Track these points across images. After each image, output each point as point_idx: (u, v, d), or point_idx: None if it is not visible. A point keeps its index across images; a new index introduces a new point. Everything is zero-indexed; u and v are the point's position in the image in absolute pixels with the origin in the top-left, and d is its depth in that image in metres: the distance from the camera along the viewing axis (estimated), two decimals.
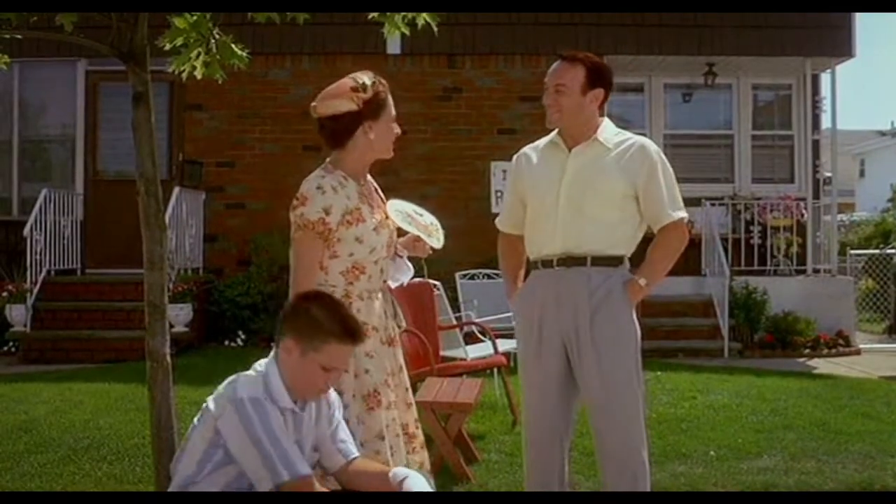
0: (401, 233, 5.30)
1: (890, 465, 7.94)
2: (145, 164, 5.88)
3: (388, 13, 6.31)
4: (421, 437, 5.22)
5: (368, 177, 5.16)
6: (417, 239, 5.33)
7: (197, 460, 4.29)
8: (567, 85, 5.28)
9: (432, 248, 5.38)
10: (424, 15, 6.36)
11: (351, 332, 4.34)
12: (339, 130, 4.96)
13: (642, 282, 5.32)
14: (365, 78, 4.95)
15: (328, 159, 5.05)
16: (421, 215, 5.45)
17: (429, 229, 5.41)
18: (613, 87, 5.43)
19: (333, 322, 4.30)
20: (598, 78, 5.33)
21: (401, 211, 5.32)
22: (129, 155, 6.06)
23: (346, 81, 4.96)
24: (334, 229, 4.83)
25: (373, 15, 6.34)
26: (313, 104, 5.00)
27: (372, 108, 4.92)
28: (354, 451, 4.54)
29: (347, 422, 4.78)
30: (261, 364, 4.40)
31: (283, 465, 4.12)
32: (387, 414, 4.90)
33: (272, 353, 4.41)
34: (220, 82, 6.36)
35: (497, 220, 5.81)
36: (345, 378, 4.83)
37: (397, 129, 5.08)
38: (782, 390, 11.31)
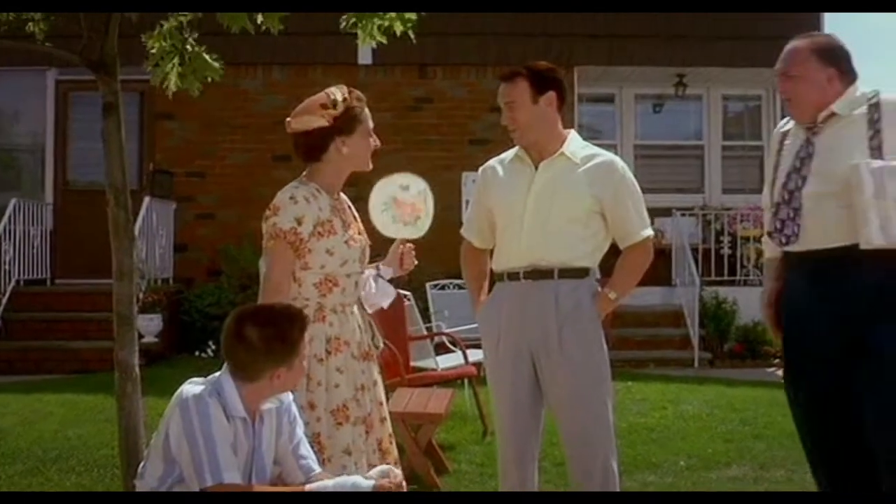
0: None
1: None
2: (115, 174, 5.87)
3: (363, 22, 6.32)
4: (394, 454, 5.18)
5: (342, 194, 5.15)
6: (403, 250, 5.33)
7: (158, 476, 4.29)
8: (515, 99, 5.30)
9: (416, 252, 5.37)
10: (398, 23, 6.37)
11: (301, 318, 4.42)
12: (311, 146, 4.97)
13: (612, 295, 5.34)
14: (338, 93, 4.94)
15: (304, 172, 5.05)
16: (407, 188, 5.42)
17: (416, 207, 5.39)
18: (566, 86, 5.43)
19: (294, 330, 4.35)
20: (544, 82, 5.32)
21: (385, 202, 5.32)
22: (100, 165, 6.05)
23: (319, 97, 4.96)
24: (306, 240, 4.83)
25: (346, 19, 6.34)
26: (287, 119, 5.00)
27: (344, 124, 4.92)
28: (316, 468, 4.53)
29: (318, 435, 4.78)
30: (214, 375, 4.40)
31: (210, 469, 4.12)
32: (353, 430, 4.89)
33: (225, 367, 4.39)
34: (197, 93, 6.36)
35: (462, 229, 5.81)
36: (318, 392, 4.83)
37: (376, 143, 5.07)
38: (752, 400, 11.35)
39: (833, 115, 4.80)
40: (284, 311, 4.46)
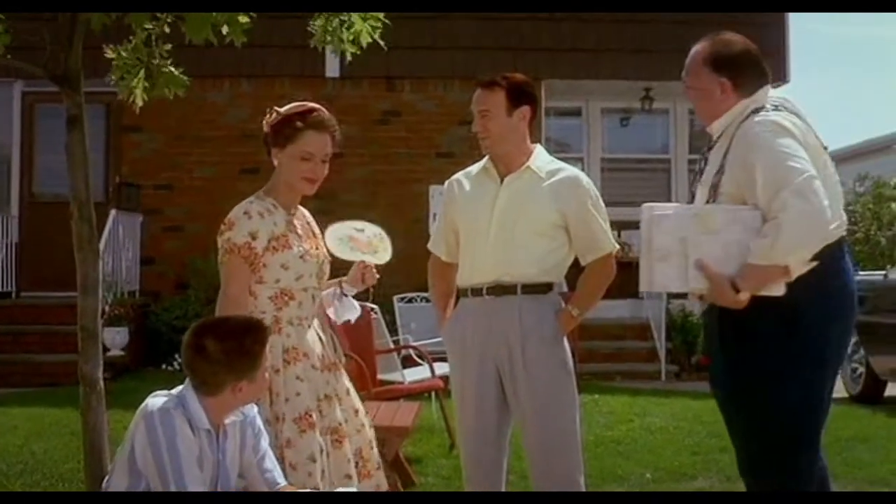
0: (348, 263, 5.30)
1: None
2: (79, 187, 5.85)
3: (333, 35, 6.33)
4: (375, 460, 5.19)
5: (301, 209, 5.16)
6: (364, 266, 5.31)
7: (123, 489, 4.29)
8: (490, 109, 5.28)
9: (378, 269, 5.36)
10: (366, 32, 6.38)
11: (262, 336, 4.42)
12: (266, 149, 5.04)
13: (575, 312, 5.34)
14: (288, 106, 4.98)
15: (263, 187, 5.08)
16: (362, 230, 5.42)
17: (373, 244, 5.39)
18: (540, 101, 5.42)
19: (258, 342, 4.34)
20: (520, 96, 5.32)
21: (340, 237, 5.31)
22: (66, 177, 6.03)
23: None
24: (260, 254, 4.84)
25: (318, 38, 6.36)
26: None
27: (277, 136, 4.95)
28: (281, 481, 4.54)
29: (283, 444, 4.79)
30: (178, 388, 4.40)
31: (175, 482, 4.15)
32: (318, 438, 4.89)
33: (188, 381, 4.39)
34: (170, 98, 6.36)
35: (430, 244, 5.78)
36: (278, 403, 4.83)
37: (319, 170, 4.99)
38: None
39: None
40: (244, 324, 4.46)
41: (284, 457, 4.78)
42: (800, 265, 4.23)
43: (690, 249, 4.31)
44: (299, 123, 4.96)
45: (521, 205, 5.27)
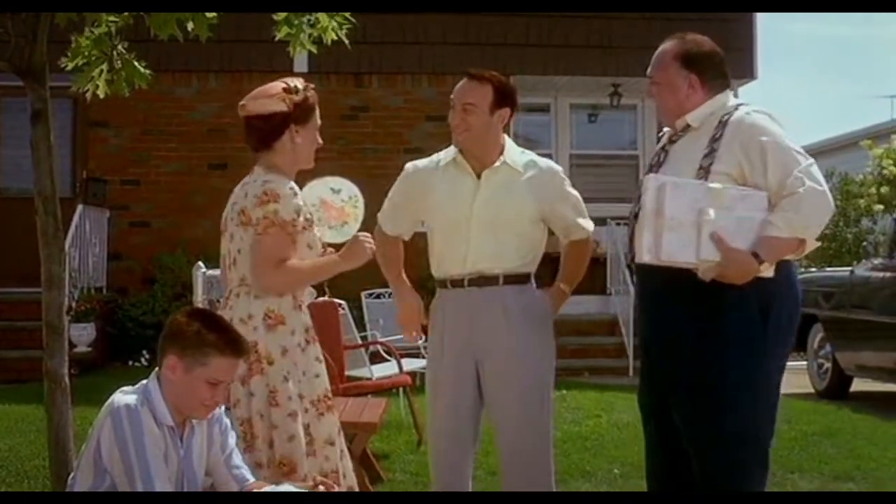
0: None
1: (789, 482, 8.03)
2: (44, 182, 5.82)
3: (293, 30, 6.31)
4: None
5: None
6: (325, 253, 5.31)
7: (87, 486, 4.26)
8: (476, 104, 5.21)
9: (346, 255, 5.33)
10: (329, 31, 6.35)
11: (234, 344, 4.35)
12: (268, 131, 4.90)
13: (564, 286, 5.46)
14: (297, 82, 4.93)
15: (261, 167, 4.96)
16: (339, 191, 5.41)
17: (344, 212, 5.37)
18: (519, 107, 5.42)
19: (217, 336, 4.29)
20: (505, 97, 5.29)
21: (313, 203, 5.30)
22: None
23: (279, 83, 4.93)
24: (299, 232, 4.80)
25: (278, 28, 6.34)
26: (242, 103, 4.93)
27: (301, 112, 4.90)
28: (249, 478, 4.52)
29: (307, 426, 4.77)
30: (143, 382, 4.38)
31: (142, 479, 4.12)
32: (333, 419, 4.91)
33: (153, 373, 4.38)
34: (126, 95, 6.32)
35: (383, 221, 5.60)
36: (304, 382, 4.81)
37: (319, 140, 5.05)
38: None
39: (688, 125, 4.82)
40: (211, 313, 4.49)
41: (309, 441, 4.78)
42: (812, 240, 4.53)
43: (704, 222, 4.44)
44: (312, 95, 4.96)
45: (501, 200, 5.25)
